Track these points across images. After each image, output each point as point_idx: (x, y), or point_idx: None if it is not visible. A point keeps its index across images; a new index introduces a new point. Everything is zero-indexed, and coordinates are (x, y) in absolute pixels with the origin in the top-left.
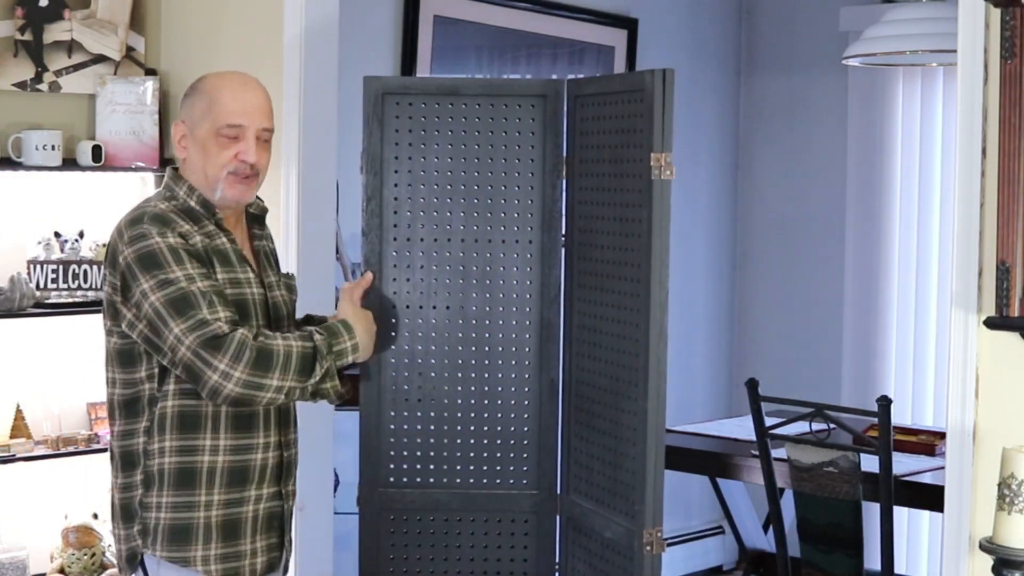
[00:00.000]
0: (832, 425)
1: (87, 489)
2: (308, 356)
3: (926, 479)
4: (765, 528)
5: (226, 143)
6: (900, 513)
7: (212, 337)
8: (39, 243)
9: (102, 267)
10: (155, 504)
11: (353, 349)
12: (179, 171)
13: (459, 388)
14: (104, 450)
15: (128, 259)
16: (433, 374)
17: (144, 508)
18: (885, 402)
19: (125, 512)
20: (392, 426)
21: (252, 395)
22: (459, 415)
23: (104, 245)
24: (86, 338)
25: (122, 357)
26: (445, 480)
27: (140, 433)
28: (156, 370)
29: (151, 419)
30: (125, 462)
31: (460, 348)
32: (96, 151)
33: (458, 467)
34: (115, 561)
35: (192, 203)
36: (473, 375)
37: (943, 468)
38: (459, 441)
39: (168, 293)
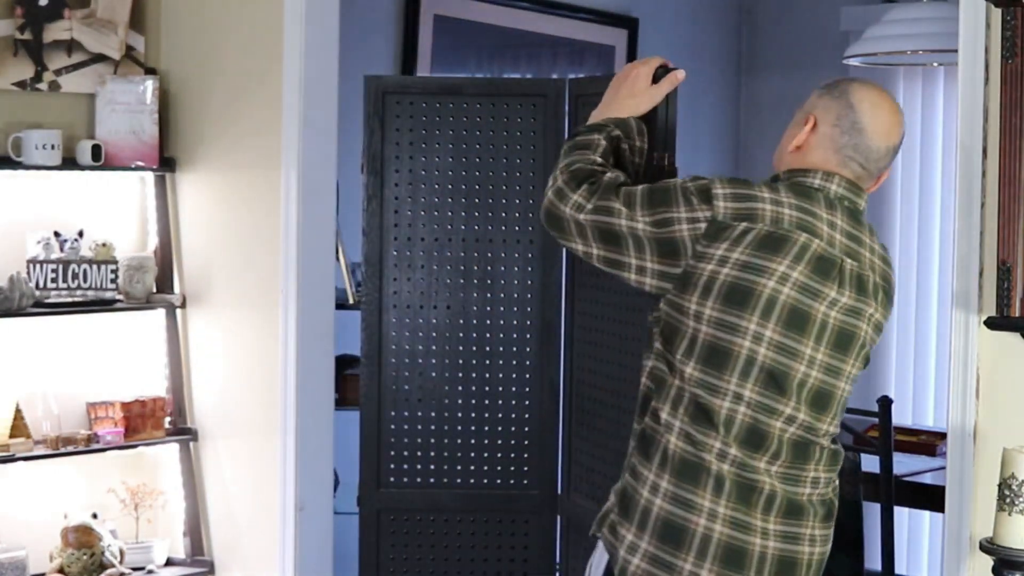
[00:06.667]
0: None
1: (87, 489)
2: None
3: (926, 479)
4: None
5: None
6: (900, 513)
7: None
8: (39, 243)
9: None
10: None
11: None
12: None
13: (459, 388)
14: (103, 450)
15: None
16: (433, 374)
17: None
18: (885, 402)
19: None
20: (392, 426)
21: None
22: (459, 415)
23: (103, 244)
24: (86, 338)
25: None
26: (445, 480)
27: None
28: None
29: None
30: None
31: (460, 348)
32: (96, 150)
33: (458, 467)
34: (114, 561)
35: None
36: (473, 375)
37: (943, 468)
38: (459, 441)
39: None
